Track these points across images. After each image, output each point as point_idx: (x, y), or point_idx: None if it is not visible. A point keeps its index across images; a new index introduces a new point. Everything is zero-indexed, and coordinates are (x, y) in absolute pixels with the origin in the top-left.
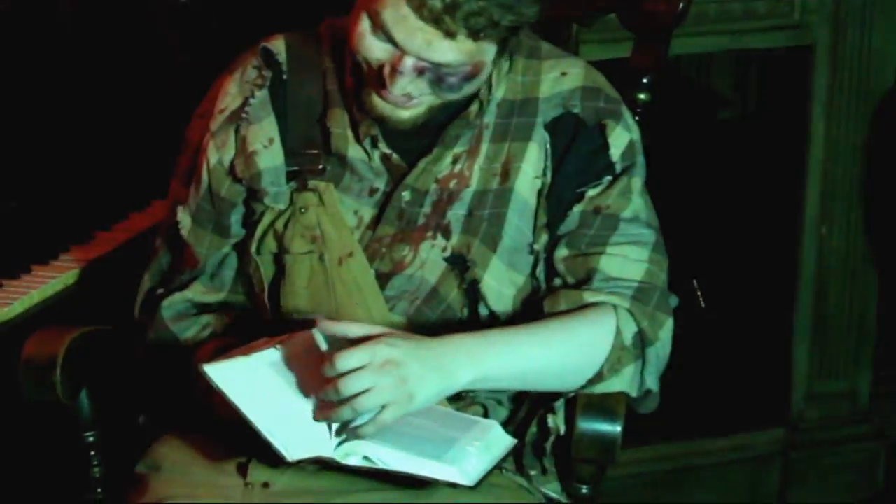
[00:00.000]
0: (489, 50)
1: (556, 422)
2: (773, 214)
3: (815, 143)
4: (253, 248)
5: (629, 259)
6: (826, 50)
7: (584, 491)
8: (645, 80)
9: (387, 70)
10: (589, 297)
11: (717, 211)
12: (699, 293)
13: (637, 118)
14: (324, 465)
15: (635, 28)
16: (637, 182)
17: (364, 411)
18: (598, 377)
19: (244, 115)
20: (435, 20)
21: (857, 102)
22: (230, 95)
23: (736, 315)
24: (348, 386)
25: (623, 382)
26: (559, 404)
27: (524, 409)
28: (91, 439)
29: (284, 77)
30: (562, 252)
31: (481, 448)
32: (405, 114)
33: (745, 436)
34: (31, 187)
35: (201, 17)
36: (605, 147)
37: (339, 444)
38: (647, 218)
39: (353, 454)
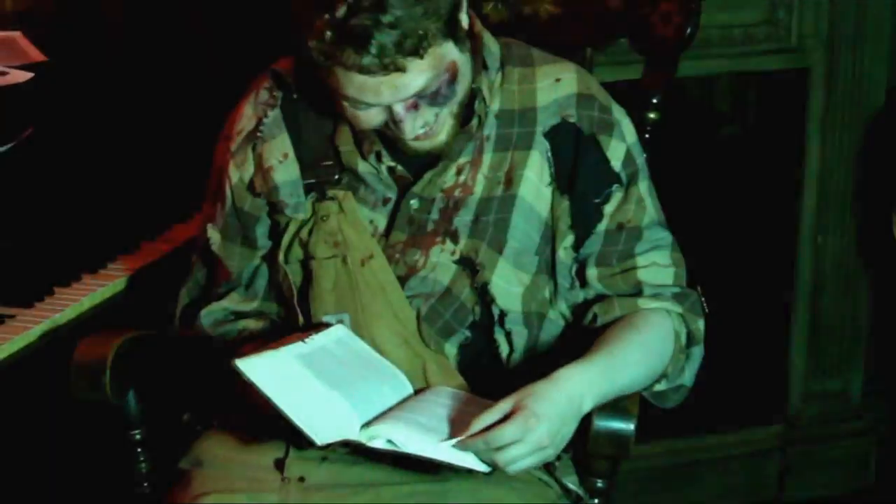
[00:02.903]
0: (445, 49)
1: None
2: (771, 224)
3: (811, 159)
4: (281, 258)
5: (659, 265)
6: (821, 72)
7: (600, 484)
8: (654, 100)
9: (391, 125)
10: (643, 303)
11: (719, 221)
12: (703, 299)
13: (647, 135)
14: (351, 449)
15: (645, 52)
16: (644, 185)
17: (505, 466)
18: (663, 377)
19: (259, 134)
20: (380, 70)
21: (850, 120)
22: (246, 117)
23: (737, 319)
24: (505, 459)
25: (684, 379)
26: None
27: None
28: (138, 437)
29: (295, 96)
30: (594, 271)
31: None
32: (429, 144)
33: (745, 432)
34: (82, 201)
35: (237, 36)
36: (605, 160)
37: (363, 426)
38: (660, 217)
39: (378, 437)
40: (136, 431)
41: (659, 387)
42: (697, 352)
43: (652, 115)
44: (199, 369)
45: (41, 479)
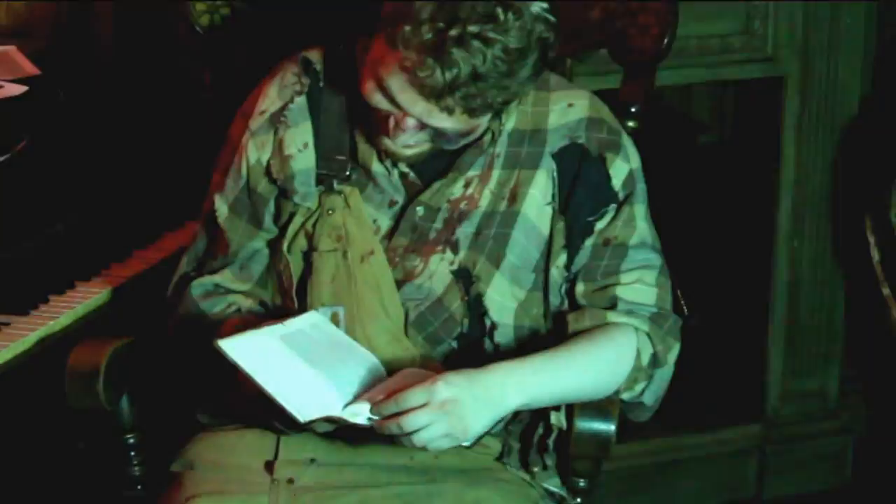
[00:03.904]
0: (485, 118)
1: (559, 419)
2: (748, 229)
3: (787, 165)
4: (285, 247)
5: (642, 283)
6: (796, 81)
7: (582, 484)
8: (633, 109)
9: (391, 123)
10: (612, 317)
11: (698, 227)
12: (682, 301)
13: None
14: (334, 423)
15: (624, 62)
16: (640, 208)
17: (422, 444)
18: (614, 392)
19: (283, 119)
20: (434, 97)
21: (824, 128)
22: (270, 98)
23: (716, 321)
24: (410, 423)
25: (632, 395)
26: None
27: (527, 412)
28: (131, 441)
29: (321, 84)
30: (580, 287)
31: None
32: (408, 152)
33: (724, 432)
34: (75, 211)
35: (225, 49)
36: (608, 178)
37: (346, 405)
38: (653, 242)
39: (359, 415)
40: (130, 435)
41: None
42: (661, 374)
43: (631, 124)
44: (185, 343)
45: (36, 482)
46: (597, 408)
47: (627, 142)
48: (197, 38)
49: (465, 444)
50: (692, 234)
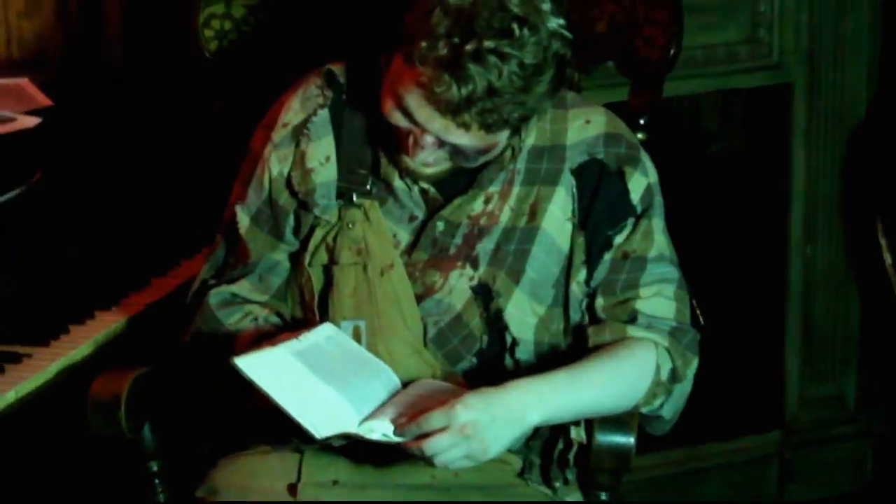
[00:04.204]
0: (503, 134)
1: (579, 433)
2: (761, 237)
3: (797, 171)
4: (306, 260)
5: (661, 296)
6: (803, 87)
7: (604, 497)
8: (641, 121)
9: (410, 141)
10: (632, 331)
11: (711, 236)
12: (698, 311)
13: None
14: (350, 440)
15: (631, 74)
16: (657, 222)
17: (443, 466)
18: (633, 407)
19: (305, 132)
20: (451, 113)
21: (833, 132)
22: (293, 111)
23: (732, 329)
24: (431, 447)
25: (651, 409)
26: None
27: (547, 427)
28: (155, 468)
29: (343, 97)
30: (600, 301)
31: None
32: (428, 170)
33: (744, 439)
34: (92, 240)
35: (235, 74)
36: (626, 191)
37: (362, 421)
38: (671, 255)
39: (374, 431)
40: (153, 463)
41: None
42: (680, 389)
43: (640, 136)
44: (201, 352)
45: None
46: (616, 421)
47: (645, 156)
48: (207, 63)
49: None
50: (705, 243)
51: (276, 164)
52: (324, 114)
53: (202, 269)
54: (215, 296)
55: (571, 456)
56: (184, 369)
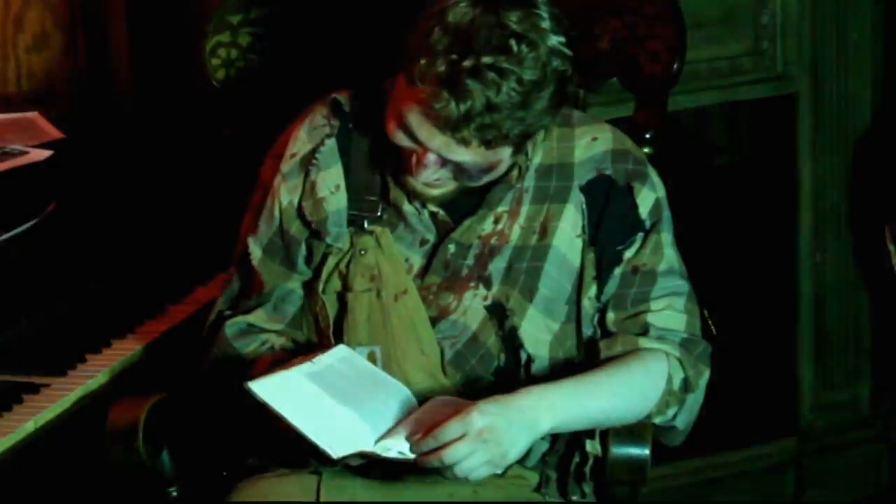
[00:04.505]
0: (505, 151)
1: (595, 446)
2: (770, 247)
3: (804, 180)
4: (320, 288)
5: (672, 309)
6: (807, 97)
7: None
8: (648, 136)
9: (413, 160)
10: (643, 343)
11: (720, 247)
12: (710, 322)
13: None
14: (367, 459)
15: (635, 90)
16: (666, 236)
17: (464, 474)
18: (646, 416)
19: (314, 162)
20: (450, 129)
21: (839, 141)
22: (300, 141)
23: (745, 339)
24: (450, 456)
25: (665, 419)
26: (596, 430)
27: (562, 441)
28: (174, 494)
29: (350, 126)
30: (611, 315)
31: None
32: (434, 192)
33: (760, 447)
34: (106, 269)
35: (243, 102)
36: (635, 206)
37: (377, 440)
38: (680, 269)
39: (390, 449)
40: (173, 489)
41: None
42: (692, 400)
43: (646, 150)
44: (220, 381)
45: None
46: (630, 433)
47: (652, 171)
48: (215, 91)
49: (497, 471)
50: (715, 254)
51: (286, 194)
52: (331, 143)
53: (218, 301)
54: (231, 326)
55: (588, 469)
56: (201, 395)
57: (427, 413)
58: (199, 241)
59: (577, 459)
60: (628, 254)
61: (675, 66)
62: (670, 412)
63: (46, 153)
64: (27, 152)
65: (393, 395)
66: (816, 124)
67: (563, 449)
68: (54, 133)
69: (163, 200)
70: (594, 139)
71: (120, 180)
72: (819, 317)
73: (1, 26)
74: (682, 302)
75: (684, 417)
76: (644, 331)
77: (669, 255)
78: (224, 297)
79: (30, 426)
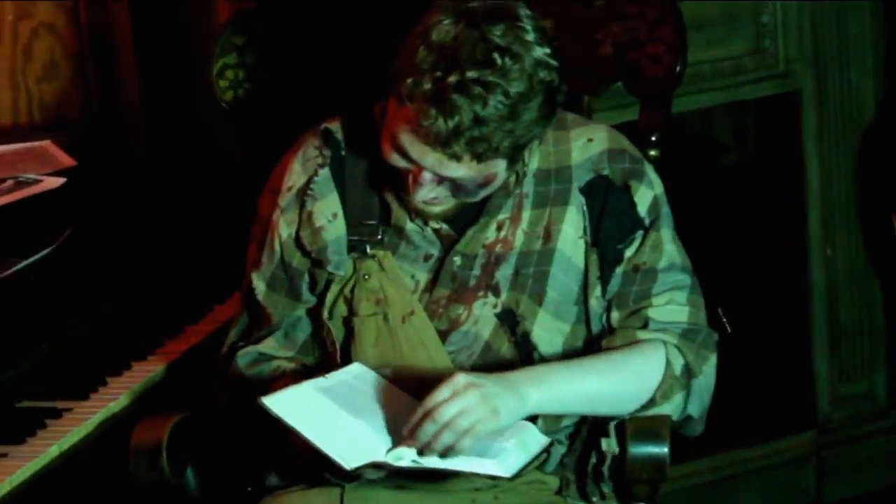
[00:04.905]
0: (498, 164)
1: (611, 445)
2: (781, 242)
3: (812, 175)
4: (325, 314)
5: (674, 303)
6: (811, 92)
7: None
8: (653, 138)
9: (410, 180)
10: (641, 335)
11: (731, 245)
12: (725, 320)
13: None
14: (381, 468)
15: (639, 93)
16: (666, 232)
17: (461, 430)
18: (650, 402)
19: (310, 192)
20: (441, 145)
21: (844, 134)
22: (295, 173)
23: (760, 336)
24: (443, 413)
25: (671, 407)
26: (611, 428)
27: (579, 442)
28: None
29: (343, 153)
30: (615, 314)
31: (518, 444)
32: (435, 209)
33: (779, 442)
34: (124, 293)
35: (252, 122)
36: (633, 205)
37: (389, 450)
38: (682, 263)
39: (403, 458)
40: None
41: (654, 411)
42: (699, 385)
43: (653, 153)
44: (237, 410)
45: None
46: (648, 431)
47: (649, 169)
48: (224, 113)
49: (505, 475)
50: (726, 253)
51: (285, 227)
52: (325, 173)
53: (229, 334)
54: (243, 357)
55: (606, 469)
56: (221, 415)
57: None
58: (215, 260)
59: (594, 460)
60: (629, 252)
61: (678, 67)
62: (676, 398)
63: (60, 181)
64: (41, 180)
65: (405, 409)
66: (821, 119)
67: (581, 449)
68: (67, 161)
69: (176, 222)
70: (590, 140)
71: (133, 204)
72: (832, 310)
73: (10, 57)
74: (685, 295)
75: (696, 405)
76: (644, 324)
77: (670, 251)
78: (235, 330)
79: (54, 450)
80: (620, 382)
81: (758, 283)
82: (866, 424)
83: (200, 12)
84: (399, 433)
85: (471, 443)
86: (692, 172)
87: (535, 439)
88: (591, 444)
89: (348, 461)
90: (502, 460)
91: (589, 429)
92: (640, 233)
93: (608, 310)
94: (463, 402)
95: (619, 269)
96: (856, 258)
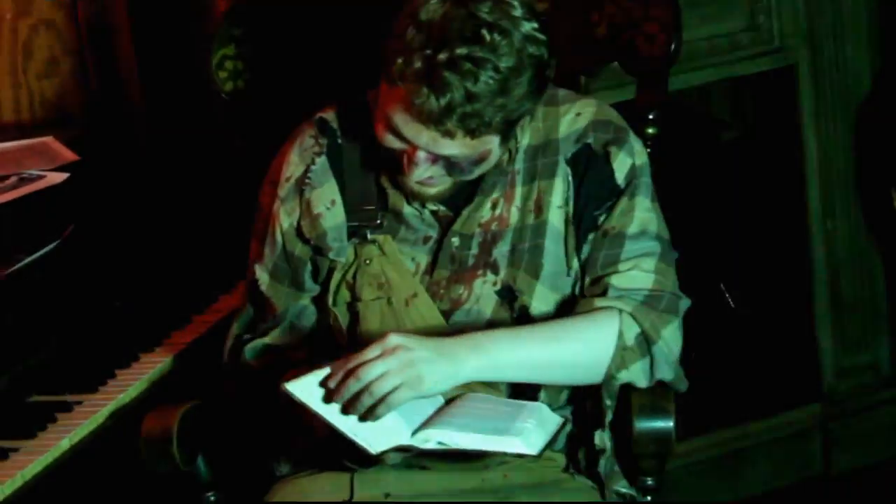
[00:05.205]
0: (492, 140)
1: (602, 440)
2: (782, 217)
3: (810, 149)
4: (329, 301)
5: (638, 269)
6: (806, 66)
7: (650, 482)
8: (651, 116)
9: (405, 160)
10: (599, 302)
11: (732, 222)
12: (727, 295)
13: (648, 149)
14: (405, 451)
15: (636, 72)
16: (641, 200)
17: (380, 394)
18: (608, 376)
19: (308, 181)
20: (434, 123)
21: (841, 108)
22: (293, 164)
23: (763, 310)
24: (367, 373)
25: (632, 375)
26: (607, 419)
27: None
28: (212, 499)
29: (339, 142)
30: (586, 280)
31: (537, 424)
32: (431, 190)
33: (786, 415)
34: (129, 286)
35: (252, 111)
36: (612, 172)
37: (414, 433)
38: (656, 230)
39: (429, 440)
40: (210, 493)
41: (617, 383)
42: (660, 350)
43: (651, 131)
44: (248, 402)
45: None
46: (652, 406)
47: (633, 139)
48: (224, 103)
49: (532, 453)
50: (727, 229)
51: (286, 217)
52: (322, 161)
53: (233, 326)
54: (250, 350)
55: (602, 467)
56: (231, 404)
57: (460, 407)
58: (219, 250)
59: (581, 456)
60: (601, 218)
61: (672, 45)
62: (634, 368)
63: (63, 176)
64: (44, 176)
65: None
66: (817, 93)
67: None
68: (70, 156)
69: (180, 214)
70: (578, 114)
71: (137, 197)
72: (834, 282)
73: (10, 54)
74: (653, 262)
75: (664, 370)
76: (604, 292)
77: (642, 218)
78: (239, 322)
79: (65, 444)
80: (567, 351)
81: (759, 258)
82: (871, 395)
83: (198, 3)
84: (420, 414)
85: (385, 410)
86: (691, 149)
87: (551, 419)
88: (585, 438)
89: (374, 445)
90: (526, 438)
91: (584, 419)
92: (615, 200)
93: (581, 277)
94: (387, 364)
95: (591, 236)
96: (856, 230)
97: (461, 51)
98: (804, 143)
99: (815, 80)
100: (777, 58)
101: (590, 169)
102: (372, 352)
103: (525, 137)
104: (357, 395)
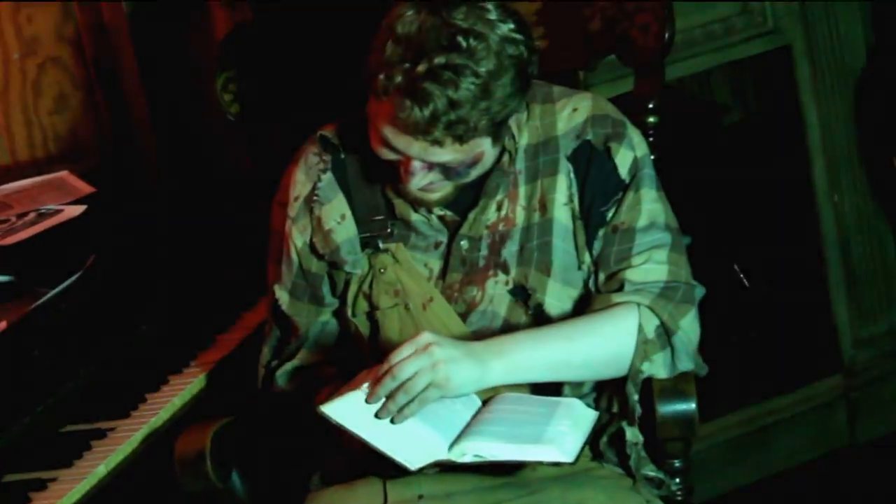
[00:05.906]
0: (482, 142)
1: (636, 435)
2: (790, 195)
3: (812, 127)
4: (349, 312)
5: (652, 262)
6: (802, 46)
7: (678, 464)
8: (650, 106)
9: (402, 171)
10: (616, 298)
11: (741, 203)
12: (742, 275)
13: (651, 138)
14: (443, 468)
15: (632, 63)
16: (647, 192)
17: (415, 392)
18: (633, 369)
19: (316, 198)
20: (421, 133)
21: (839, 84)
22: (300, 183)
23: (778, 288)
24: (403, 371)
25: (655, 368)
26: (634, 410)
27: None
28: None
29: (342, 156)
30: (600, 276)
31: (571, 426)
32: (433, 196)
33: (808, 389)
34: (154, 310)
35: (258, 131)
36: (615, 168)
37: (451, 447)
38: (665, 221)
39: (465, 454)
40: None
41: (642, 376)
42: (680, 341)
43: (651, 120)
44: (286, 426)
45: None
46: (674, 390)
47: (632, 132)
48: (231, 125)
49: (567, 460)
50: (737, 211)
51: (299, 236)
52: (328, 177)
53: (263, 354)
54: (282, 376)
55: (633, 462)
56: (264, 421)
57: (495, 412)
58: (238, 268)
59: (633, 452)
60: (609, 214)
61: (666, 34)
62: (657, 359)
63: (81, 208)
64: (62, 210)
65: (458, 400)
66: (815, 71)
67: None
68: (85, 188)
69: (197, 237)
70: (575, 110)
71: (154, 223)
72: (846, 254)
73: (20, 93)
74: (664, 253)
75: (684, 360)
76: (620, 287)
77: (650, 210)
78: (268, 348)
79: (101, 470)
80: (589, 347)
81: (771, 236)
82: (891, 362)
83: (198, 31)
84: (455, 426)
85: (417, 408)
86: (695, 135)
87: (584, 416)
88: (616, 432)
89: (412, 462)
90: (561, 445)
91: (607, 407)
92: (621, 194)
93: (595, 273)
94: (420, 363)
95: (601, 232)
96: (863, 202)
97: (440, 60)
98: (805, 120)
99: (811, 58)
100: (771, 39)
101: (592, 165)
102: (405, 350)
103: (524, 137)
104: (392, 395)
